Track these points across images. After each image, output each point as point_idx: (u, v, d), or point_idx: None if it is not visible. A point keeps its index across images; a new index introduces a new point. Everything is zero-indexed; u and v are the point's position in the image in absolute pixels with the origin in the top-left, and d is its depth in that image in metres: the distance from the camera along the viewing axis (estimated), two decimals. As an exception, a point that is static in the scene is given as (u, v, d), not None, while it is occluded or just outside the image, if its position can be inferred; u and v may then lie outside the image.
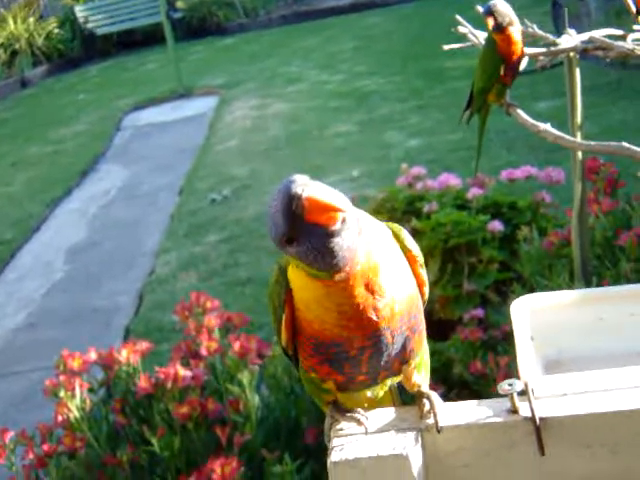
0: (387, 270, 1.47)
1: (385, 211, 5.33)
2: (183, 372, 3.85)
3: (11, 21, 20.00)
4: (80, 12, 21.17)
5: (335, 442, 1.49)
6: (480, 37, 3.59)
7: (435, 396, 1.55)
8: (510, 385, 1.45)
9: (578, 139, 3.40)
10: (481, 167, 7.74)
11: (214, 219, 9.03)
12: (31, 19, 20.45)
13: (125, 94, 16.12)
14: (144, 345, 4.16)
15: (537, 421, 1.43)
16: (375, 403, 1.65)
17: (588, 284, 3.95)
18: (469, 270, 4.95)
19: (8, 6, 21.26)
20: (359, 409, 1.58)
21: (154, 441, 3.76)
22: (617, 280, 4.15)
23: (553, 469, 1.48)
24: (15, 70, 19.63)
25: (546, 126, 2.86)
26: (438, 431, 1.50)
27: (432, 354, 4.65)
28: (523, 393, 1.47)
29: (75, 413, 3.87)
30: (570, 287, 4.03)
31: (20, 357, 6.96)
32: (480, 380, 4.18)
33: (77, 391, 3.90)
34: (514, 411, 1.47)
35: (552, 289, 4.13)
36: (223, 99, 14.49)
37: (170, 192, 10.37)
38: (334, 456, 1.45)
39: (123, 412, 4.05)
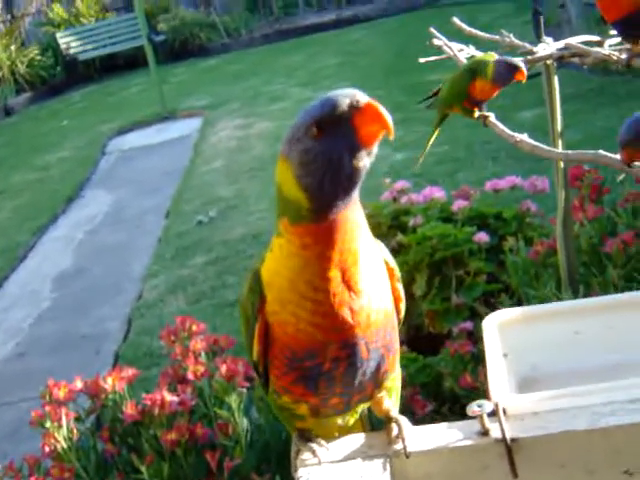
0: (366, 268, 1.45)
1: (370, 227, 5.29)
2: (170, 397, 3.80)
3: (-7, 50, 20.02)
4: (62, 38, 21.20)
5: (300, 472, 1.45)
6: (455, 48, 3.58)
7: (404, 420, 1.51)
8: (479, 406, 1.40)
9: (558, 148, 3.38)
10: (467, 179, 7.75)
11: (201, 241, 8.99)
12: (13, 47, 20.45)
13: (109, 118, 16.09)
14: (130, 372, 4.11)
15: (508, 442, 1.39)
16: (345, 431, 1.60)
17: (575, 292, 3.93)
18: (457, 283, 4.91)
19: (-11, 35, 21.27)
20: (320, 439, 1.54)
21: (143, 469, 3.71)
22: (605, 287, 4.12)
23: (526, 492, 1.43)
24: (-2, 98, 19.64)
25: (522, 136, 2.83)
26: (407, 456, 1.45)
27: (422, 369, 4.59)
28: (494, 414, 1.42)
29: (62, 443, 3.81)
30: (558, 296, 4.01)
31: (9, 388, 6.88)
32: (471, 394, 4.15)
33: (63, 421, 3.84)
34: (484, 433, 1.42)
35: (540, 299, 4.10)
36: (207, 120, 14.47)
37: (156, 215, 10.33)
38: None
39: (112, 441, 3.99)
